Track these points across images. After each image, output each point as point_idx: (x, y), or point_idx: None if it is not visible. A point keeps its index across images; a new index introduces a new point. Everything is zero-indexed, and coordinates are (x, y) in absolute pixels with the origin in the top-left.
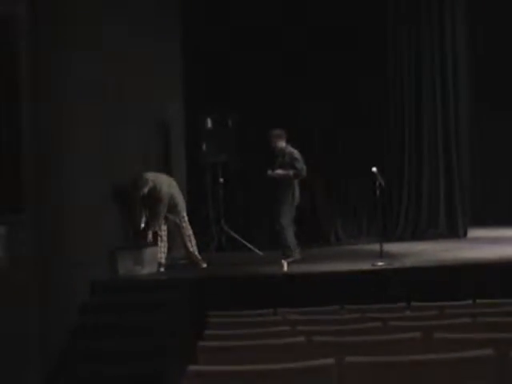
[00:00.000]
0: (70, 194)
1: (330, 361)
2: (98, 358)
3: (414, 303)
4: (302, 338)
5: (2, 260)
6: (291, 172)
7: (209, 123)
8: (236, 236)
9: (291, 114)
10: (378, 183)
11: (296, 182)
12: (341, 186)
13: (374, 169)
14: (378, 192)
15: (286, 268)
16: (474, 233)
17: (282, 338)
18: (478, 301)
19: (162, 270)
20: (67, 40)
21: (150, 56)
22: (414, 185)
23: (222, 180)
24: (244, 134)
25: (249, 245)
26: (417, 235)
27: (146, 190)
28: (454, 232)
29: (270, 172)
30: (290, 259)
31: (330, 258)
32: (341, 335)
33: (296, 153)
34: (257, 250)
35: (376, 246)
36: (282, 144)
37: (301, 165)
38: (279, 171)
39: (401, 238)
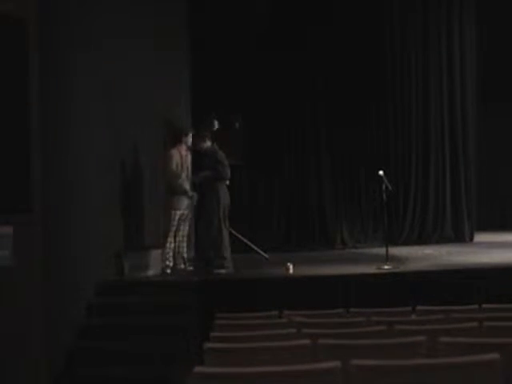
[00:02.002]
0: (77, 194)
1: (336, 364)
2: (103, 359)
3: (419, 307)
4: (307, 341)
5: (9, 260)
6: (209, 173)
7: (215, 125)
8: (242, 238)
9: (298, 115)
10: (384, 187)
11: (221, 185)
12: (347, 189)
13: (381, 172)
14: (384, 196)
15: (291, 271)
16: (480, 237)
17: (288, 341)
18: (483, 305)
19: (168, 271)
20: (75, 40)
21: (158, 57)
22: (421, 189)
23: (228, 182)
24: (251, 136)
25: (255, 247)
26: (423, 239)
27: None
28: (460, 236)
29: (194, 178)
30: (223, 270)
31: (336, 262)
32: (346, 338)
33: (220, 154)
34: (262, 253)
35: (382, 250)
36: (207, 145)
37: (222, 166)
38: (201, 174)
39: (407, 242)
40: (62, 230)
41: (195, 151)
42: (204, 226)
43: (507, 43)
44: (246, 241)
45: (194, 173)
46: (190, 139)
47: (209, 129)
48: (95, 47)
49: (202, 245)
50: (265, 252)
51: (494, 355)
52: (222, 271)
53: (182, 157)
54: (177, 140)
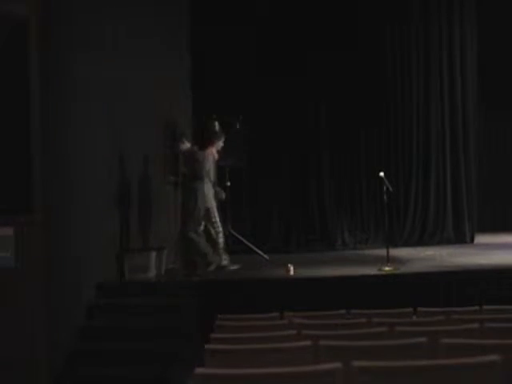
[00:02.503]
0: (78, 195)
1: (337, 365)
2: (103, 360)
3: (420, 308)
4: (308, 342)
5: (10, 260)
6: (185, 170)
7: (216, 126)
8: (243, 240)
9: (299, 117)
10: (385, 188)
11: (200, 186)
12: (348, 190)
13: (382, 173)
14: (385, 197)
15: (292, 272)
16: (481, 238)
17: (289, 342)
18: (484, 306)
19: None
20: (76, 40)
21: (159, 58)
22: (421, 190)
23: (228, 183)
24: (251, 137)
25: (255, 248)
26: (424, 240)
27: None
28: (461, 237)
29: (170, 177)
30: (212, 266)
31: (337, 263)
32: (347, 340)
33: (199, 154)
34: (263, 254)
35: (383, 251)
36: (186, 146)
37: (199, 165)
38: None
39: (408, 243)
40: (62, 231)
41: (175, 153)
42: (182, 225)
43: (508, 45)
44: (246, 242)
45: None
46: (221, 144)
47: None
48: (96, 47)
49: (182, 250)
50: (265, 253)
51: (495, 356)
52: (212, 267)
53: (214, 159)
54: (209, 143)
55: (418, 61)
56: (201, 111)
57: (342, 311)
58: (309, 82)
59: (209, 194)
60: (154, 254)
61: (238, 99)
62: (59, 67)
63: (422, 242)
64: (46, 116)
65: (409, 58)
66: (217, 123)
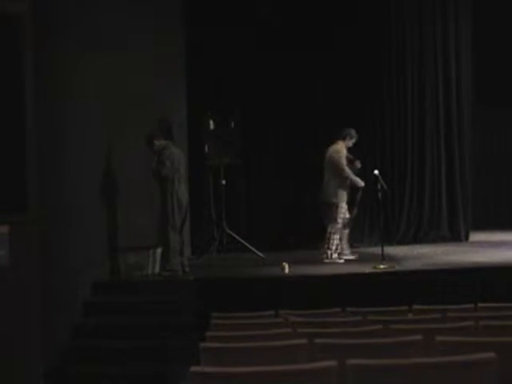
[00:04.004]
0: (73, 194)
1: (332, 363)
2: (98, 357)
3: (415, 306)
4: (303, 340)
5: (5, 259)
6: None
7: (211, 124)
8: (238, 238)
9: (295, 115)
10: (379, 186)
11: (172, 186)
12: None
13: (376, 171)
14: (379, 195)
15: (287, 270)
16: (476, 236)
17: (284, 340)
18: (480, 304)
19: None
20: (71, 39)
21: (154, 56)
22: (416, 188)
23: (224, 181)
24: (247, 135)
25: (250, 247)
26: (419, 238)
27: None
28: (456, 235)
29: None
30: (167, 273)
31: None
32: (342, 338)
33: (166, 153)
34: (258, 252)
35: (378, 249)
36: (160, 143)
37: (162, 165)
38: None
39: (402, 241)
40: (58, 230)
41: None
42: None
43: (504, 44)
44: (241, 241)
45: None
46: (351, 143)
47: (163, 127)
48: (91, 46)
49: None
50: (261, 251)
51: (490, 354)
52: (167, 273)
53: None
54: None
55: (412, 60)
56: (196, 109)
57: (337, 309)
58: (306, 82)
59: (178, 193)
60: (150, 253)
61: (233, 97)
62: (54, 66)
63: (416, 240)
64: (41, 115)
65: (404, 59)
66: (211, 121)
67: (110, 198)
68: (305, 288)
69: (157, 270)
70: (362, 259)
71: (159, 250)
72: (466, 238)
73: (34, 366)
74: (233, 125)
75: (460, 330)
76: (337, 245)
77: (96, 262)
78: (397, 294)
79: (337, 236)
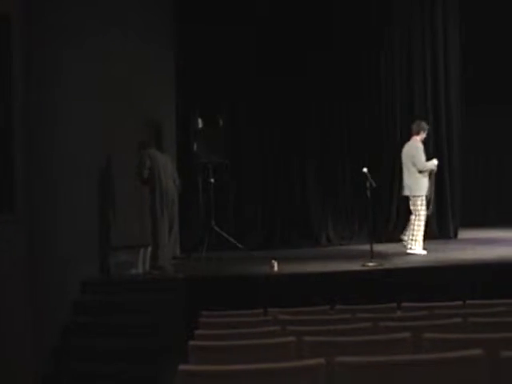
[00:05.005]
0: (63, 193)
1: (321, 361)
2: (89, 357)
3: (404, 304)
4: (292, 338)
5: None
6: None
7: (200, 123)
8: (227, 236)
9: (283, 114)
10: (368, 184)
11: (160, 186)
12: (332, 186)
13: (365, 169)
14: (368, 193)
15: (276, 268)
16: (464, 234)
17: (273, 338)
18: (468, 301)
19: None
20: (60, 39)
21: (142, 56)
22: None
23: (212, 180)
24: (235, 134)
25: (239, 245)
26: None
27: None
28: (445, 233)
29: None
30: (155, 272)
31: (321, 259)
32: (331, 335)
33: (141, 157)
34: (247, 250)
35: (367, 247)
36: (143, 150)
37: (140, 168)
38: None
39: (392, 239)
40: (46, 229)
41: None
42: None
43: (491, 43)
44: (230, 238)
45: None
46: (425, 135)
47: (153, 135)
48: (80, 45)
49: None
50: (249, 250)
51: (478, 351)
52: (156, 272)
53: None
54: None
55: (400, 62)
56: (185, 108)
57: (326, 307)
58: (296, 81)
59: (164, 193)
60: (141, 251)
61: (222, 96)
62: (43, 65)
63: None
64: (29, 114)
65: (392, 59)
66: (200, 120)
67: (100, 198)
68: (294, 286)
69: (147, 268)
70: (351, 256)
71: (149, 249)
72: (455, 235)
73: (27, 366)
74: (221, 123)
75: (448, 327)
76: (422, 236)
77: (86, 261)
78: (385, 292)
79: (421, 227)
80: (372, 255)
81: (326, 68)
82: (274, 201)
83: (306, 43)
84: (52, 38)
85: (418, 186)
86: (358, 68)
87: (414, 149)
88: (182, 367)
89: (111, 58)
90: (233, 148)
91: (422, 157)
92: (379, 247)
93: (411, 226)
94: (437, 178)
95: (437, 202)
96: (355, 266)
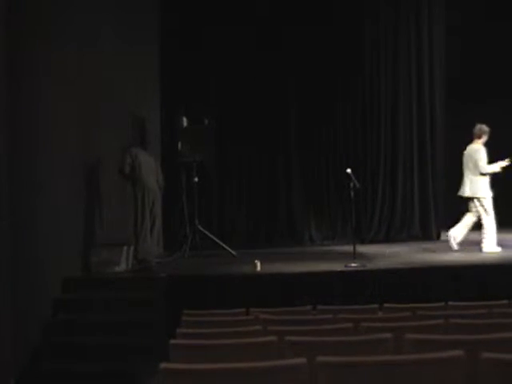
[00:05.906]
0: (45, 192)
1: (302, 360)
2: (69, 355)
3: (386, 304)
4: (273, 338)
5: None
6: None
7: (184, 122)
8: (210, 235)
9: (268, 114)
10: (352, 184)
11: (142, 183)
12: (316, 186)
13: (349, 170)
14: (352, 193)
15: (259, 268)
16: (446, 235)
17: (254, 338)
18: (449, 303)
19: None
20: (42, 39)
21: (126, 54)
22: (389, 187)
23: (196, 179)
24: (220, 133)
25: (222, 244)
26: (390, 237)
27: None
28: (428, 234)
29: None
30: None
31: (304, 259)
32: (313, 335)
33: (123, 154)
34: (230, 250)
35: (349, 248)
36: (127, 148)
37: (121, 165)
38: None
39: (374, 240)
40: (29, 227)
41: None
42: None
43: (477, 42)
44: (213, 238)
45: None
46: (486, 138)
47: (138, 135)
48: (62, 46)
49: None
50: (232, 249)
51: (458, 352)
52: (139, 266)
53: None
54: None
55: (385, 59)
56: (169, 106)
57: (308, 307)
58: (279, 81)
59: (145, 190)
60: (124, 249)
61: (207, 95)
62: (27, 67)
63: (388, 238)
64: (12, 116)
65: (378, 57)
66: (185, 118)
67: (84, 196)
68: (276, 286)
69: (130, 266)
70: (333, 257)
71: (132, 247)
72: (438, 237)
73: (6, 363)
74: (206, 122)
75: (430, 329)
76: (494, 234)
77: (66, 259)
78: (368, 293)
79: (492, 227)
80: (355, 256)
81: (311, 69)
82: (257, 200)
83: (289, 43)
84: (34, 37)
85: (481, 188)
86: (343, 68)
87: (477, 152)
88: (163, 365)
89: (95, 57)
90: (217, 147)
91: (485, 160)
92: (362, 248)
93: (484, 226)
94: (419, 178)
95: (420, 203)
96: (338, 267)
